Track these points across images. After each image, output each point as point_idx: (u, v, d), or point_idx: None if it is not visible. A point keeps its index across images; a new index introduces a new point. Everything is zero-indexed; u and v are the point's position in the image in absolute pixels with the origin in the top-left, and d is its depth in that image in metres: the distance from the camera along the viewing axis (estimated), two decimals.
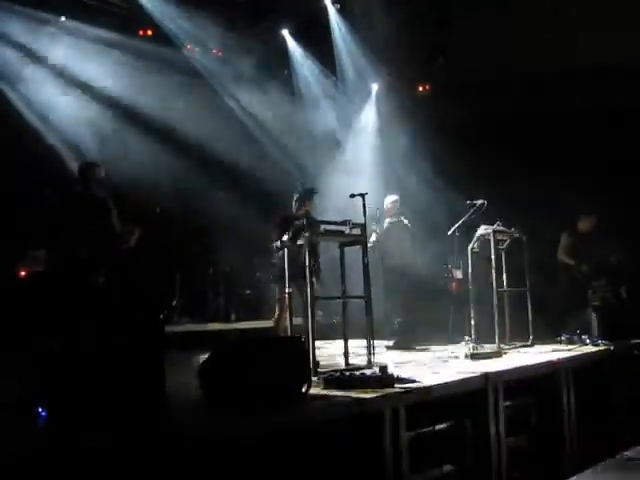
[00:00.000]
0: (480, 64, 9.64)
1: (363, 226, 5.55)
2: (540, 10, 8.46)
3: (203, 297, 9.78)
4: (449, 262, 8.14)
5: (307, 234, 5.25)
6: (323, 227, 5.43)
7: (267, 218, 6.75)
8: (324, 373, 4.62)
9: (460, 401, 4.54)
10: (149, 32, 9.21)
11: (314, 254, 5.58)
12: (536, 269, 7.20)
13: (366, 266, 5.49)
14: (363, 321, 5.35)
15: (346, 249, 5.64)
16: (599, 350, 6.36)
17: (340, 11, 9.84)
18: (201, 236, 9.86)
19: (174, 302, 9.25)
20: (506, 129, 9.49)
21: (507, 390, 4.89)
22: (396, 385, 4.17)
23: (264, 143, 10.49)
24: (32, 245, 7.28)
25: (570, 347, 6.57)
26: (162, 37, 9.21)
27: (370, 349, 5.34)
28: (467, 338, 6.59)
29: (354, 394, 3.87)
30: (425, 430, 4.28)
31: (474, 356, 5.76)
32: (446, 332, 7.65)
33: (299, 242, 5.48)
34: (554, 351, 6.21)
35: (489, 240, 6.61)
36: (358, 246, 5.56)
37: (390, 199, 7.78)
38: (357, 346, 5.73)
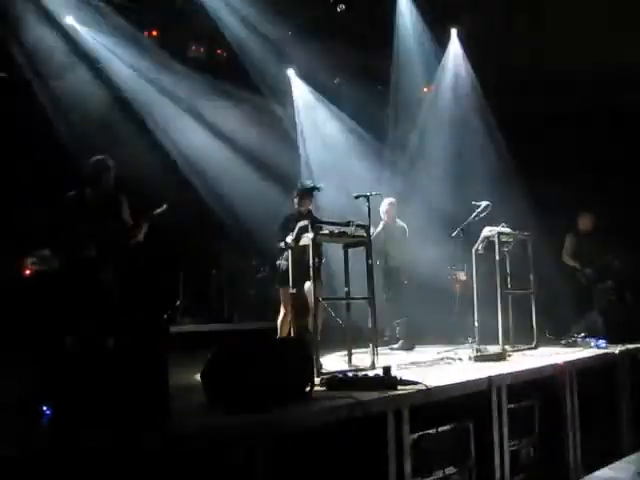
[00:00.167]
0: (481, 64, 9.66)
1: (367, 227, 5.55)
2: (540, 10, 8.47)
3: (206, 298, 9.79)
4: (453, 264, 8.15)
5: (311, 235, 5.25)
6: (327, 228, 5.43)
7: (273, 217, 6.74)
8: (327, 374, 4.62)
9: (463, 403, 4.52)
10: (154, 33, 9.25)
11: (318, 255, 5.57)
12: (541, 271, 7.18)
13: (370, 268, 5.49)
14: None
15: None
16: (604, 353, 6.33)
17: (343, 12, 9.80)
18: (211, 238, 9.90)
19: (178, 302, 9.25)
20: (506, 129, 9.49)
21: (511, 393, 4.87)
22: (399, 387, 4.16)
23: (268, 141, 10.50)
24: (37, 244, 7.30)
25: (575, 350, 6.54)
26: (167, 38, 9.26)
27: (374, 350, 5.34)
28: (471, 340, 6.58)
29: (357, 395, 3.86)
30: (428, 432, 4.27)
31: (478, 358, 5.74)
32: (450, 334, 7.65)
33: (302, 243, 5.48)
34: (558, 354, 6.18)
35: (494, 242, 6.60)
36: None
37: (386, 201, 7.79)
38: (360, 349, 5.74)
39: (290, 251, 5.65)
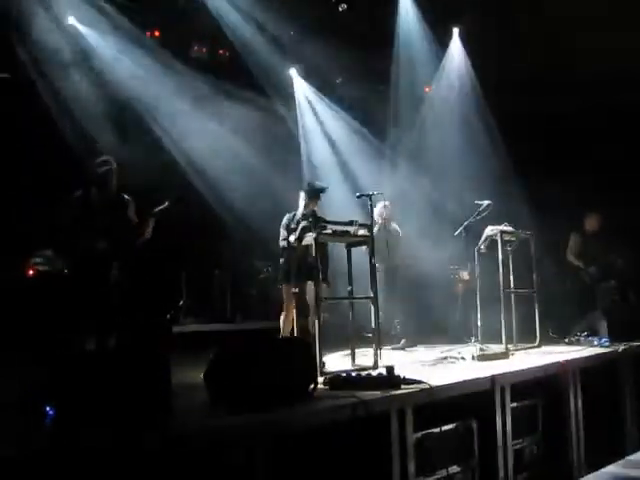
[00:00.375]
0: (481, 65, 9.66)
1: (370, 227, 5.55)
2: (541, 10, 8.46)
3: (209, 297, 9.79)
4: (456, 263, 8.14)
5: (313, 234, 5.25)
6: (330, 227, 5.42)
7: (275, 217, 6.74)
8: (330, 373, 4.62)
9: (467, 402, 4.52)
10: (156, 33, 9.26)
11: (322, 254, 5.57)
12: (543, 270, 7.17)
13: (373, 267, 5.49)
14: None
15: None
16: (607, 352, 6.32)
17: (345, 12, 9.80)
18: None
19: (181, 302, 9.27)
20: (507, 130, 9.48)
21: (514, 391, 4.87)
22: (402, 386, 4.15)
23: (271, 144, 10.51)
24: (40, 245, 7.32)
25: (578, 348, 6.53)
26: (168, 38, 9.26)
27: (377, 350, 5.34)
28: (474, 339, 6.57)
29: (360, 395, 3.85)
30: (432, 431, 4.27)
31: (481, 357, 5.74)
32: (453, 333, 7.64)
33: (305, 242, 5.48)
34: (561, 353, 6.18)
35: (496, 240, 6.59)
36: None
37: (380, 204, 7.80)
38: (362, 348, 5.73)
39: (293, 250, 5.65)
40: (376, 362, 5.26)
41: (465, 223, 6.97)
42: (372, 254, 5.51)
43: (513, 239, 6.85)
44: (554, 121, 9.24)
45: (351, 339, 5.62)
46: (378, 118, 10.47)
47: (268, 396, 3.59)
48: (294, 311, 6.11)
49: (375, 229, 7.63)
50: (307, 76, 10.63)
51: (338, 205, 8.09)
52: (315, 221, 5.42)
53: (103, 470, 2.76)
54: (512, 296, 6.73)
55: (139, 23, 8.93)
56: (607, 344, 6.58)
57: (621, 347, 6.40)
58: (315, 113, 10.85)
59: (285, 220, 6.27)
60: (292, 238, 5.75)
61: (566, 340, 7.10)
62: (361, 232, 5.45)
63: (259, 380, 3.65)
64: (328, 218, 5.64)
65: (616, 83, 8.51)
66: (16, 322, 6.31)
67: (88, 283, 5.31)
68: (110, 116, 8.88)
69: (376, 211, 7.72)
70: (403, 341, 7.56)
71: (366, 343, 5.84)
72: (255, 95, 9.86)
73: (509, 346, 6.35)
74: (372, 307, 5.42)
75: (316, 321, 5.12)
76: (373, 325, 5.44)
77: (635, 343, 6.59)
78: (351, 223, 5.43)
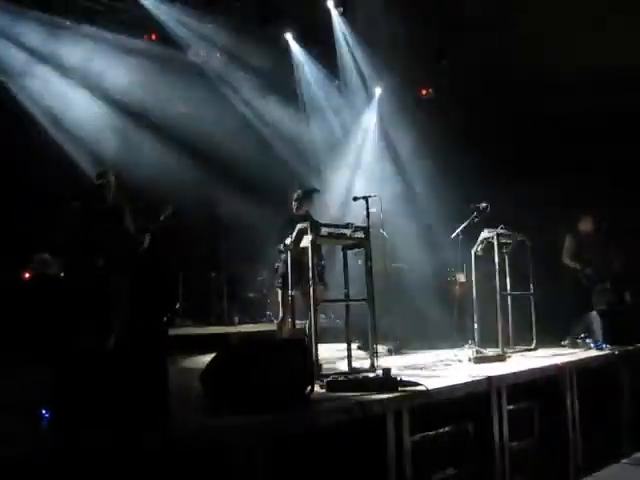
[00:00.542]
0: (482, 65, 9.66)
1: (366, 229, 5.55)
2: (541, 10, 8.49)
3: (206, 300, 9.78)
4: (452, 266, 8.14)
5: (310, 237, 5.25)
6: (325, 230, 5.43)
7: (271, 220, 6.75)
8: (327, 376, 4.62)
9: (463, 405, 4.53)
10: (153, 37, 9.26)
11: (317, 257, 5.58)
12: (540, 272, 7.18)
13: (369, 269, 5.49)
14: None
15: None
16: (603, 354, 6.33)
17: (343, 14, 9.86)
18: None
19: (177, 305, 9.26)
20: (507, 130, 9.50)
21: (510, 394, 4.87)
22: (399, 388, 4.15)
23: (268, 145, 10.51)
24: (37, 249, 7.31)
25: (574, 351, 6.54)
26: (167, 41, 9.26)
27: (373, 352, 5.34)
28: (470, 341, 6.58)
29: (357, 397, 3.85)
30: (428, 433, 4.27)
31: (477, 360, 5.74)
32: (449, 336, 7.63)
33: (302, 245, 5.48)
34: (558, 355, 6.19)
35: (493, 243, 6.60)
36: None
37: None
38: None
39: (289, 253, 5.65)
40: (373, 364, 5.27)
41: (462, 226, 6.98)
42: (369, 257, 5.51)
43: (509, 242, 6.85)
44: (554, 121, 9.26)
45: (347, 341, 5.62)
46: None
47: (266, 398, 3.60)
48: (291, 313, 6.10)
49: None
50: None
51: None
52: (312, 224, 5.43)
53: (103, 470, 2.76)
54: (509, 298, 6.74)
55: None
56: (603, 346, 6.59)
57: (617, 349, 6.42)
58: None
59: (281, 223, 6.27)
60: (288, 241, 5.75)
61: (563, 343, 7.10)
62: (357, 235, 5.46)
63: (256, 382, 3.65)
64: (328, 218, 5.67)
65: (616, 83, 8.55)
66: (16, 322, 6.31)
67: (85, 292, 5.36)
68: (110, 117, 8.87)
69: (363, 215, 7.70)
70: (396, 342, 7.52)
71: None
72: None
73: (505, 348, 6.35)
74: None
75: (313, 323, 5.12)
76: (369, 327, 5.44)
77: (631, 345, 6.60)
78: (347, 226, 5.44)
